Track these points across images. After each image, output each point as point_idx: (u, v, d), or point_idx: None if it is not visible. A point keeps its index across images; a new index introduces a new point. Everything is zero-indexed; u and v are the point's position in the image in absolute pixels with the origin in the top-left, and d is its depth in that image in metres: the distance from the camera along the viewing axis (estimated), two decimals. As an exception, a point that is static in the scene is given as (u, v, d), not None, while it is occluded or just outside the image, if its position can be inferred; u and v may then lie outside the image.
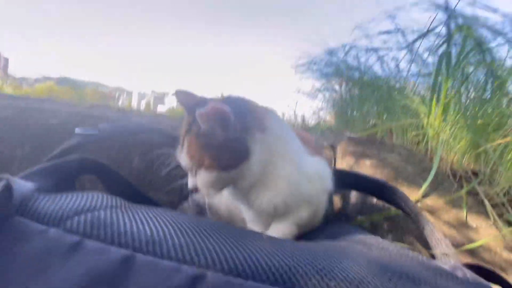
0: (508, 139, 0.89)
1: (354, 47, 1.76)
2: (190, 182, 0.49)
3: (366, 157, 1.09)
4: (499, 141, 0.91)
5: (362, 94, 1.78)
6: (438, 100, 1.15)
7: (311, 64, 2.31)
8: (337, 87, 2.14)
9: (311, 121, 2.33)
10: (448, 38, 1.01)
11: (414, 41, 1.26)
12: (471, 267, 0.40)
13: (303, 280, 0.24)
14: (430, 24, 1.10)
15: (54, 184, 0.38)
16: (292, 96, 2.53)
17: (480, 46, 1.01)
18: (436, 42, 1.21)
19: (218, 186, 0.47)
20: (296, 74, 2.44)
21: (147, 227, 0.27)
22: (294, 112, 2.25)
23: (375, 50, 1.66)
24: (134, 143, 1.02)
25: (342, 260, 0.30)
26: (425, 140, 1.27)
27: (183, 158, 0.48)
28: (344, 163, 1.15)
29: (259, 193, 0.48)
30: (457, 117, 1.09)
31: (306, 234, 0.53)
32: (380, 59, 1.67)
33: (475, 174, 1.05)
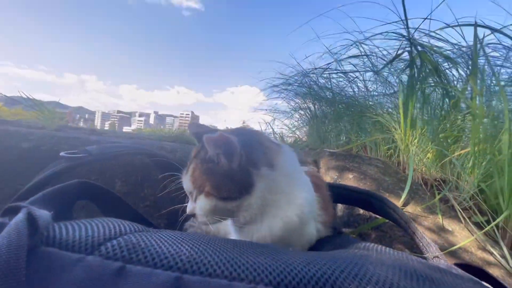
0: (467, 149, 1.02)
1: (326, 69, 1.90)
2: (189, 206, 0.49)
3: (348, 171, 1.16)
4: (461, 151, 1.04)
5: (336, 112, 1.91)
6: (405, 117, 1.27)
7: (286, 84, 2.43)
8: (311, 105, 2.26)
9: (288, 139, 2.40)
10: (411, 62, 1.15)
11: (385, 65, 1.41)
12: (460, 265, 0.44)
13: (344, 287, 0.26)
14: (397, 51, 1.25)
15: (55, 211, 0.36)
16: (268, 116, 2.62)
17: (436, 70, 1.17)
18: (401, 67, 1.37)
19: (216, 215, 0.45)
20: (272, 93, 2.54)
21: (184, 248, 0.26)
22: (273, 130, 2.31)
23: (345, 73, 1.82)
24: (128, 164, 0.97)
25: (366, 265, 0.31)
26: (396, 153, 1.38)
27: (186, 181, 0.48)
28: (328, 177, 1.20)
29: (256, 227, 0.47)
30: (422, 131, 1.21)
31: (316, 245, 0.54)
32: (351, 81, 1.82)
33: (443, 181, 1.16)
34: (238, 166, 0.44)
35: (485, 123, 0.95)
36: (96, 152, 0.60)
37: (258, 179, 0.44)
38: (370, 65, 1.58)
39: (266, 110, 2.55)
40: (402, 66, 1.34)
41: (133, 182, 1.01)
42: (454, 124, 1.19)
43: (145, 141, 1.35)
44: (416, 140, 1.24)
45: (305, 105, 2.33)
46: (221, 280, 0.23)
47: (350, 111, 1.81)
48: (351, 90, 1.90)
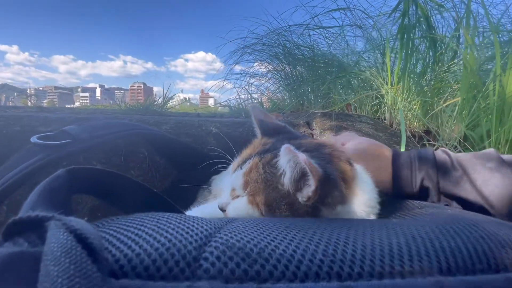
0: (456, 99, 1.06)
1: (307, 26, 1.78)
2: (223, 199, 0.43)
3: (344, 130, 1.14)
4: (450, 101, 1.08)
5: (315, 72, 1.85)
6: (392, 71, 1.26)
7: (259, 44, 2.27)
8: (287, 67, 2.16)
9: (265, 104, 2.32)
10: (404, 12, 1.11)
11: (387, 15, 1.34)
12: None
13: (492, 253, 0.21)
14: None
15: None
16: (244, 80, 2.46)
17: (427, 19, 1.15)
18: (388, 20, 1.33)
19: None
20: (244, 55, 2.37)
21: (320, 248, 0.19)
22: (251, 96, 2.19)
23: (326, 28, 1.73)
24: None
25: (456, 224, 0.27)
26: (382, 109, 1.41)
27: (237, 176, 0.41)
28: (324, 138, 1.18)
29: None
30: (410, 85, 1.23)
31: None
32: (333, 38, 1.75)
33: (430, 133, 1.22)
34: (307, 201, 0.36)
35: (474, 71, 0.97)
36: (85, 136, 0.46)
37: (325, 214, 0.37)
38: (353, 20, 1.51)
39: (232, 76, 2.39)
40: (390, 19, 1.31)
41: (116, 163, 0.86)
42: (438, 76, 1.22)
43: (117, 116, 1.16)
44: (403, 94, 1.26)
45: (281, 67, 2.22)
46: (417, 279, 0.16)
47: (331, 70, 1.77)
48: (332, 47, 1.84)
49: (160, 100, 1.71)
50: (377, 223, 0.28)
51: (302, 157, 0.32)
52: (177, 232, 0.19)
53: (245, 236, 0.20)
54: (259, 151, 0.42)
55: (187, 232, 0.19)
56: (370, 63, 1.57)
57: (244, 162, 0.42)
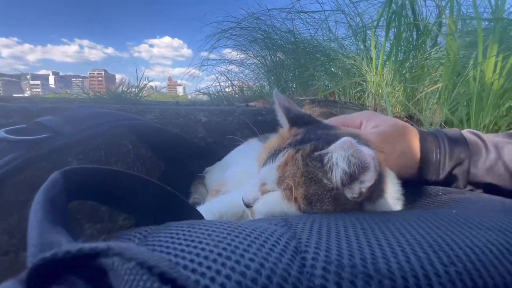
0: (438, 85, 1.10)
1: (285, 10, 1.73)
2: (250, 195, 0.39)
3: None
4: (433, 87, 1.12)
5: (298, 59, 1.82)
6: (377, 58, 1.28)
7: (237, 29, 2.18)
8: (268, 53, 2.11)
9: (246, 92, 2.25)
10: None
11: None
12: None
13: None
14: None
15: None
16: (219, 68, 2.35)
17: (412, 6, 1.17)
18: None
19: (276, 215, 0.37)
20: (221, 40, 2.26)
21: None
22: (231, 83, 2.11)
23: (307, 13, 1.69)
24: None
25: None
26: (366, 95, 1.43)
27: (269, 168, 0.37)
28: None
29: None
30: (394, 72, 1.25)
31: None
32: (314, 22, 1.72)
33: (412, 117, 1.27)
34: (356, 198, 0.34)
35: (456, 58, 1.01)
36: (68, 128, 0.38)
37: (366, 209, 0.36)
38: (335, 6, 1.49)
39: (208, 62, 2.27)
40: (375, 5, 1.30)
41: (95, 158, 0.76)
42: (419, 63, 1.26)
43: (89, 106, 1.02)
44: (387, 80, 1.28)
45: (261, 53, 2.16)
46: None
47: (313, 57, 1.75)
48: (314, 33, 1.81)
49: (133, 87, 1.56)
50: (440, 215, 0.26)
51: (368, 152, 0.29)
52: (251, 246, 0.15)
53: (334, 246, 0.16)
54: (292, 143, 0.38)
55: (263, 246, 0.15)
56: (353, 50, 1.58)
57: (275, 154, 0.38)
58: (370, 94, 1.39)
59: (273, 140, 0.43)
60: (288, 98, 0.47)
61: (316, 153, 0.34)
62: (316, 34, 1.79)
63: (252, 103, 1.49)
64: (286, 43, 1.89)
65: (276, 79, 2.07)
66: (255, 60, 2.14)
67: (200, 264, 0.13)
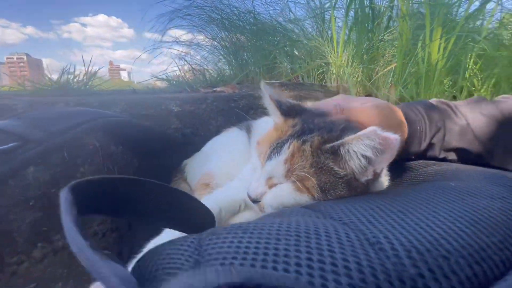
0: (393, 65, 1.21)
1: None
2: (256, 190, 0.39)
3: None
4: (388, 67, 1.22)
5: (259, 41, 1.80)
6: (338, 40, 1.33)
7: (192, 8, 2.03)
8: (227, 35, 2.03)
9: (208, 76, 2.16)
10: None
11: None
12: None
13: None
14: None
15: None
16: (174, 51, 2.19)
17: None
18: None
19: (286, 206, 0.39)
20: (175, 20, 2.10)
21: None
22: (191, 67, 1.98)
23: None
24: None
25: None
26: (328, 77, 1.50)
27: (276, 162, 0.37)
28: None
29: None
30: (353, 53, 1.33)
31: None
32: (275, 4, 1.69)
33: (369, 95, 1.38)
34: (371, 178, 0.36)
35: (408, 40, 1.12)
36: (38, 134, 0.33)
37: (371, 189, 0.39)
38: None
39: (162, 45, 2.10)
40: None
41: (57, 162, 0.66)
42: (375, 45, 1.36)
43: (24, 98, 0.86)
44: (348, 62, 1.35)
45: (219, 34, 2.07)
46: None
47: (274, 40, 1.74)
48: (274, 15, 1.79)
49: (81, 75, 1.36)
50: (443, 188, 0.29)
51: (395, 137, 0.31)
52: (331, 246, 0.15)
53: (395, 232, 0.17)
54: (293, 134, 0.39)
55: (342, 244, 0.15)
56: (314, 32, 1.62)
57: (278, 147, 0.38)
58: (332, 75, 1.46)
59: (271, 133, 0.43)
60: (274, 88, 0.47)
61: (328, 145, 0.35)
62: (276, 14, 1.78)
63: (218, 89, 1.44)
64: (246, 24, 1.83)
65: (238, 63, 2.03)
66: (215, 43, 2.04)
67: (310, 267, 0.13)
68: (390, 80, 1.28)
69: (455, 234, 0.16)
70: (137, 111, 0.79)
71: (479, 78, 1.25)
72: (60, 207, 0.21)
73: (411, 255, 0.15)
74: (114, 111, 0.75)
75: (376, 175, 0.35)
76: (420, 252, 0.15)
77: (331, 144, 0.35)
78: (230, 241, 0.17)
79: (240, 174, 0.58)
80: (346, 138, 0.34)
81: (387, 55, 1.37)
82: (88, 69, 1.34)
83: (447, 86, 1.12)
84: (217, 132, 0.99)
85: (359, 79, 1.35)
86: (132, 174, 0.71)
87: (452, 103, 0.54)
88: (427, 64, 1.08)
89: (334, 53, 1.39)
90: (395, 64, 1.18)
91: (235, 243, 0.17)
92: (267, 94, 0.45)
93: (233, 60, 2.10)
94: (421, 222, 0.19)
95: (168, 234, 0.41)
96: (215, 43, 2.02)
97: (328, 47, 1.41)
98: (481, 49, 1.24)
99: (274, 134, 0.41)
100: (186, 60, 1.99)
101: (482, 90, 1.27)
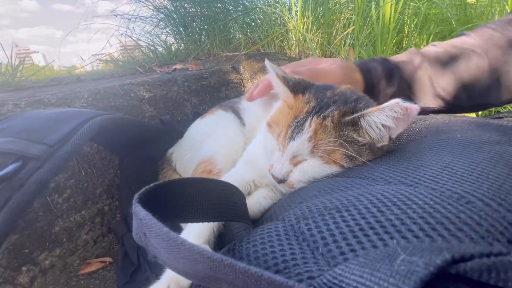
0: (351, 28, 1.26)
1: None
2: (283, 169, 0.40)
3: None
4: (347, 30, 1.27)
5: (212, 10, 1.67)
6: (296, 6, 1.32)
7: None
8: (170, 3, 1.82)
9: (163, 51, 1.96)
10: None
11: None
12: None
13: None
14: None
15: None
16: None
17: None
18: None
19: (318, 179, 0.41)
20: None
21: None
22: (137, 44, 1.75)
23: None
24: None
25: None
26: (289, 43, 1.49)
27: (300, 141, 0.38)
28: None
29: None
30: (314, 18, 1.34)
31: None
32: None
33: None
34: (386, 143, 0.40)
35: (364, 1, 1.17)
36: (38, 148, 0.28)
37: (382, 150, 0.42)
38: None
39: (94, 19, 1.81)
40: None
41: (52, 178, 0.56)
42: (331, 9, 1.38)
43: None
44: (308, 27, 1.36)
45: (164, 2, 1.85)
46: None
47: (228, 8, 1.64)
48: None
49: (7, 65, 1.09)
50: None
51: (416, 107, 0.33)
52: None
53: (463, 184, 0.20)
54: (310, 111, 0.39)
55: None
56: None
57: (298, 126, 0.39)
58: (293, 42, 1.46)
59: (282, 112, 0.43)
60: (276, 65, 0.47)
61: (348, 118, 0.37)
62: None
63: (178, 66, 1.32)
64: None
65: (190, 36, 1.87)
66: (162, 15, 1.83)
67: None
68: (348, 42, 1.34)
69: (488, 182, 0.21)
70: (104, 103, 0.70)
71: (416, 36, 1.39)
72: (139, 224, 0.18)
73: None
74: (81, 106, 0.64)
75: (391, 140, 0.39)
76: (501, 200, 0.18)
77: (352, 116, 0.37)
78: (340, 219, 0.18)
79: (243, 156, 0.58)
80: (367, 110, 0.36)
81: (342, 18, 1.42)
82: (11, 58, 1.09)
83: (397, 45, 1.22)
84: (193, 114, 0.94)
85: (319, 43, 1.38)
86: (131, 172, 0.65)
87: (399, 61, 0.64)
88: (382, 25, 1.16)
89: (294, 19, 1.38)
90: (353, 27, 1.23)
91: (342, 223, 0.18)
92: (273, 72, 0.44)
93: (184, 33, 1.93)
94: (469, 176, 0.22)
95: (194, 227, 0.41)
96: (162, 15, 1.81)
97: (287, 13, 1.39)
98: (417, 7, 1.36)
99: (289, 113, 0.41)
100: (131, 38, 1.76)
101: (422, 47, 1.42)
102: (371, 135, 0.38)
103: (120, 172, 0.71)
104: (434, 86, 0.63)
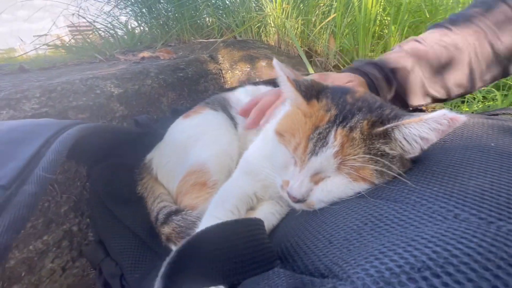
0: (333, 15, 1.22)
1: None
2: (302, 188, 0.35)
3: (257, 59, 1.08)
4: (328, 19, 1.23)
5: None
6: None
7: None
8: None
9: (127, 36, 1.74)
10: None
11: None
12: None
13: None
14: None
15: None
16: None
17: None
18: None
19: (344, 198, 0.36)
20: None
21: None
22: (93, 27, 1.52)
23: None
24: None
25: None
26: (268, 30, 1.41)
27: (325, 157, 0.33)
28: (238, 72, 1.07)
29: None
30: (293, 6, 1.27)
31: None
32: None
33: (310, 49, 1.39)
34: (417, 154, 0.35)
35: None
36: (11, 170, 0.19)
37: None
38: None
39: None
40: None
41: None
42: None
43: None
44: (288, 13, 1.30)
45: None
46: None
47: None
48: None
49: None
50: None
51: (463, 118, 0.29)
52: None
53: None
54: (333, 120, 0.34)
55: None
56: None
57: (320, 139, 0.33)
58: (271, 28, 1.38)
59: (297, 120, 0.37)
60: (287, 66, 0.39)
61: (379, 129, 0.32)
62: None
63: (146, 54, 1.17)
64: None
65: (155, 20, 1.69)
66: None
67: None
68: (329, 31, 1.30)
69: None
70: (64, 103, 0.56)
71: (392, 26, 1.40)
72: None
73: None
74: (33, 109, 0.51)
75: (422, 151, 0.35)
76: None
77: (384, 127, 0.32)
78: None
79: (240, 166, 0.51)
80: (405, 120, 0.32)
81: (322, 4, 1.37)
82: None
83: (378, 34, 1.21)
84: (171, 111, 0.82)
85: (300, 30, 1.32)
86: (103, 184, 0.54)
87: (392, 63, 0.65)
88: (364, 14, 1.13)
89: (272, 3, 1.29)
90: (335, 14, 1.19)
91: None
92: (284, 75, 0.37)
93: (148, 16, 1.73)
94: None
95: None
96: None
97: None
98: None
99: (306, 122, 0.35)
100: (86, 19, 1.52)
101: (397, 36, 1.44)
102: (404, 148, 0.33)
103: (89, 185, 0.60)
104: (425, 87, 0.66)
